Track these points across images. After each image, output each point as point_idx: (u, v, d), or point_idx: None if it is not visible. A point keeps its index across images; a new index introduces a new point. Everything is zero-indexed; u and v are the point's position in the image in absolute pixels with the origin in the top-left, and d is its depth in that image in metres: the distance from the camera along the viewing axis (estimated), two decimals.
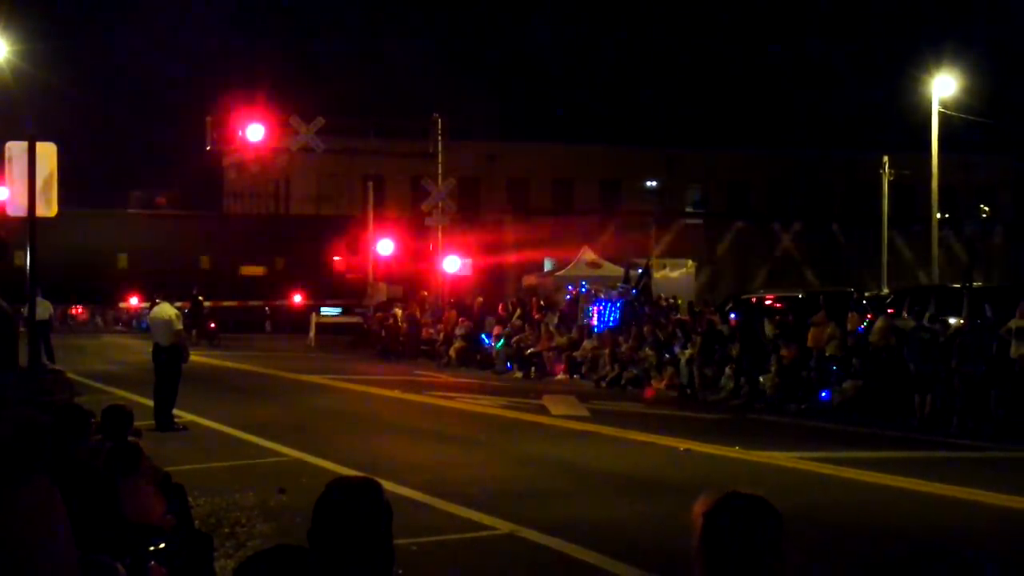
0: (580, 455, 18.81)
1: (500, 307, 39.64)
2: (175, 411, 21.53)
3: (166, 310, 22.05)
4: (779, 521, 3.72)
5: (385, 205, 62.80)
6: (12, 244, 33.85)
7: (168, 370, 21.56)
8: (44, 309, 34.97)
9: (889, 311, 28.91)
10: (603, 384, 31.08)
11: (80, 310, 61.64)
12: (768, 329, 28.56)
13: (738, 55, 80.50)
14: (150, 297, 45.15)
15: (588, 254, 52.01)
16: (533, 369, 34.21)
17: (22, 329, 15.94)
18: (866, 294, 38.89)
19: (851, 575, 11.38)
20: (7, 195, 15.45)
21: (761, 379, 27.13)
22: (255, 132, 44.89)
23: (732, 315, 31.11)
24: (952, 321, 25.74)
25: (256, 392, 29.03)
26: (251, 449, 19.13)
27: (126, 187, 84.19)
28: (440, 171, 48.61)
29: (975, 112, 51.52)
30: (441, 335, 40.34)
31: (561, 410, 24.84)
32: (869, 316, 28.20)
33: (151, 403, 21.46)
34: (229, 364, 36.84)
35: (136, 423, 11.30)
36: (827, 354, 26.39)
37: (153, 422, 20.55)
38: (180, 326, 21.95)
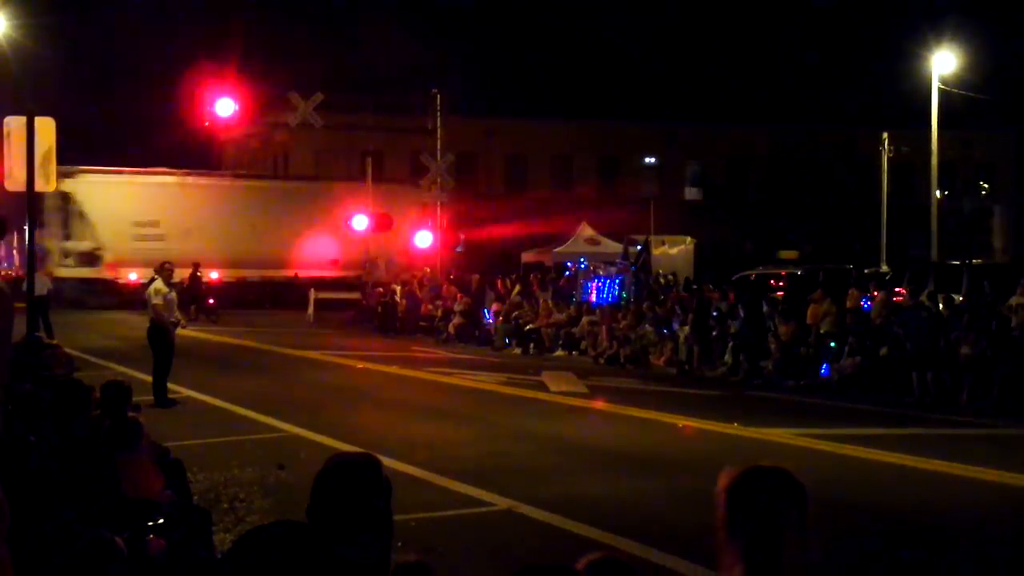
0: (578, 431, 18.84)
1: (499, 283, 39.63)
2: (171, 386, 21.52)
3: (154, 285, 22.24)
4: (803, 494, 3.68)
5: (384, 180, 62.69)
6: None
7: (156, 345, 21.61)
8: (42, 284, 34.97)
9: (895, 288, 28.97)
10: (601, 361, 31.10)
11: None
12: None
13: (738, 31, 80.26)
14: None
15: (587, 230, 52.01)
16: (532, 345, 34.23)
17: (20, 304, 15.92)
18: (866, 271, 38.90)
19: (849, 552, 11.40)
20: (6, 170, 15.44)
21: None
22: (254, 108, 44.77)
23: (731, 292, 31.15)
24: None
25: (255, 367, 29.04)
26: (250, 424, 19.16)
27: (124, 163, 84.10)
28: (439, 146, 48.55)
29: (975, 89, 51.47)
30: (440, 311, 40.33)
31: (560, 386, 24.86)
32: (875, 293, 28.20)
33: (149, 378, 21.49)
34: (227, 339, 36.85)
35: (135, 398, 11.31)
36: (822, 331, 26.41)
37: (152, 398, 20.59)
38: (157, 301, 21.86)
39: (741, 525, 3.58)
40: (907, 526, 12.55)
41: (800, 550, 3.60)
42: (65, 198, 51.01)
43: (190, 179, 56.46)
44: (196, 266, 46.00)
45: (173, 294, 22.23)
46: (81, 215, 52.87)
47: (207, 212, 53.42)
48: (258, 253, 53.11)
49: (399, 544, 5.54)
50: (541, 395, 23.60)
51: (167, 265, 22.99)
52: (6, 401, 7.96)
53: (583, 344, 32.97)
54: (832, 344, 26.04)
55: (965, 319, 23.33)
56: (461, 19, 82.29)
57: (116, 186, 53.92)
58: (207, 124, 48.18)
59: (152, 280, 23.48)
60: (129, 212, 52.16)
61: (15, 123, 15.22)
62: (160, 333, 21.63)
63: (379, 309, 43.76)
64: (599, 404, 22.04)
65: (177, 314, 22.43)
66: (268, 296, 53.94)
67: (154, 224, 52.00)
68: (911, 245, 53.67)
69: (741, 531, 3.58)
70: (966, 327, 23.18)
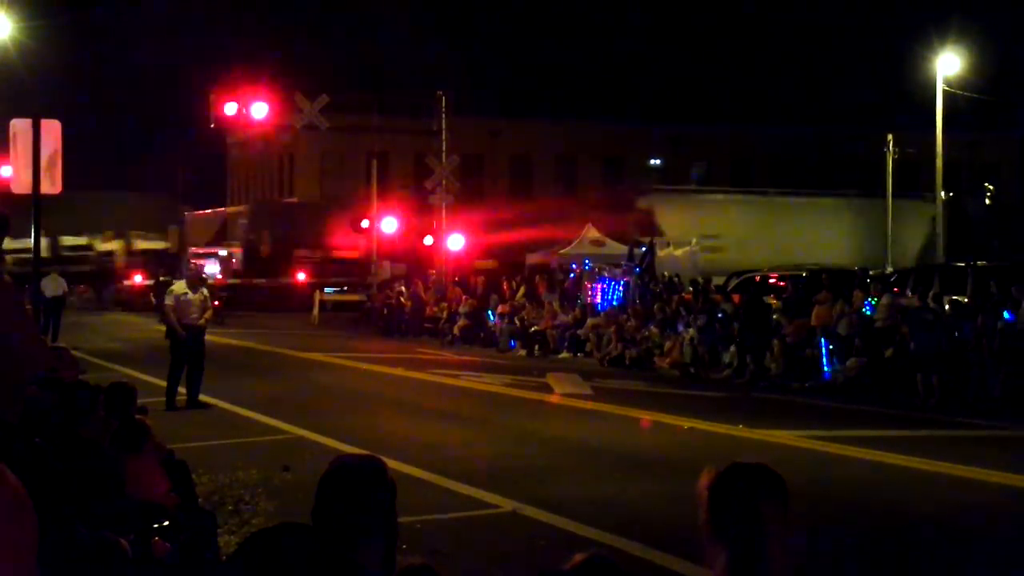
0: (583, 433, 18.83)
1: (504, 285, 39.63)
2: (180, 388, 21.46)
3: (172, 287, 22.25)
4: (783, 487, 3.72)
5: (389, 182, 62.73)
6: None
7: (171, 347, 21.57)
8: (57, 286, 35.02)
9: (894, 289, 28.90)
10: (606, 362, 31.06)
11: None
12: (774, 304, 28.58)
13: (742, 32, 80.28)
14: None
15: (591, 232, 51.94)
16: (536, 347, 34.21)
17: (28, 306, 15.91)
18: (870, 272, 38.81)
19: (854, 553, 11.40)
20: (11, 173, 15.46)
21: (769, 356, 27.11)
22: (259, 110, 44.76)
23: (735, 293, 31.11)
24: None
25: (260, 369, 29.05)
26: (255, 426, 19.17)
27: (131, 164, 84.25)
28: (444, 148, 48.53)
29: (980, 90, 51.42)
30: (445, 313, 40.35)
31: (565, 388, 24.84)
32: (875, 294, 28.14)
33: (154, 380, 21.47)
34: (233, 341, 36.85)
35: (142, 400, 11.30)
36: (842, 333, 26.25)
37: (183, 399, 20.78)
38: (168, 301, 21.80)
39: (724, 521, 3.62)
40: (914, 528, 12.53)
41: (785, 543, 3.63)
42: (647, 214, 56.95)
43: (743, 196, 60.81)
44: (200, 269, 46.04)
45: (192, 295, 21.82)
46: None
47: (757, 225, 55.63)
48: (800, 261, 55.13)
49: (404, 546, 5.52)
50: (546, 397, 23.59)
51: (194, 266, 22.96)
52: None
53: (588, 346, 32.96)
54: (831, 347, 25.97)
55: (980, 321, 23.29)
56: (466, 20, 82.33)
57: (686, 204, 58.84)
58: (212, 126, 48.20)
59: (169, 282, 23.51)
60: (696, 226, 55.28)
61: (21, 126, 15.23)
62: (171, 334, 21.58)
63: (384, 311, 43.81)
64: (604, 406, 22.02)
65: (195, 315, 21.92)
66: None
67: (715, 236, 54.49)
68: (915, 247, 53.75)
69: (725, 527, 3.62)
70: (972, 329, 23.15)
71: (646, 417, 20.44)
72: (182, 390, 21.46)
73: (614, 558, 3.90)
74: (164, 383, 21.33)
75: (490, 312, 37.79)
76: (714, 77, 76.78)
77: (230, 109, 43.03)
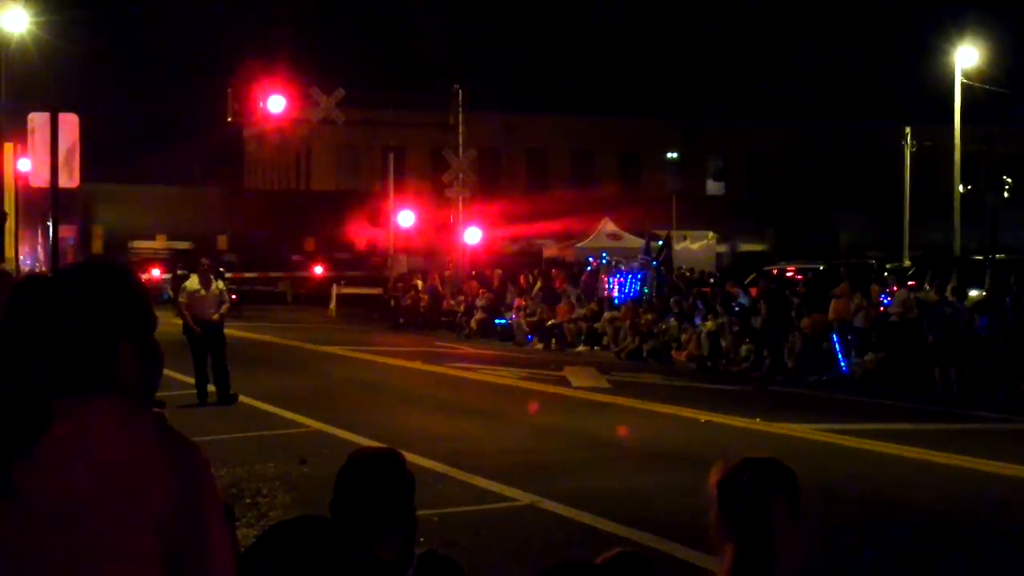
0: (601, 426, 18.83)
1: (521, 278, 39.64)
2: (190, 380, 21.40)
3: (186, 282, 22.21)
4: (793, 481, 3.71)
5: (405, 176, 62.75)
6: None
7: (188, 344, 21.51)
8: None
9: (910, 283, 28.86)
10: (623, 356, 31.06)
11: None
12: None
13: (759, 26, 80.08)
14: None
15: (609, 226, 51.92)
16: (554, 340, 34.22)
17: None
18: (887, 265, 38.74)
19: (871, 547, 11.38)
20: (30, 166, 15.55)
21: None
22: (276, 103, 44.74)
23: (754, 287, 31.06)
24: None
25: (277, 363, 29.08)
26: (272, 420, 19.18)
27: (148, 159, 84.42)
28: (460, 142, 48.47)
29: (998, 83, 51.22)
30: (462, 306, 40.38)
31: (582, 381, 24.85)
32: (895, 288, 28.10)
33: (170, 373, 21.43)
34: (250, 335, 36.90)
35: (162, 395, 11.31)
36: (856, 325, 26.24)
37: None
38: (182, 298, 21.73)
39: (733, 517, 3.62)
40: (931, 521, 12.51)
41: (794, 536, 3.62)
42: None
43: None
44: (214, 264, 46.19)
45: (204, 291, 21.77)
46: None
47: None
48: None
49: (422, 539, 5.52)
50: (563, 390, 23.60)
51: (204, 262, 22.87)
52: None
53: (605, 339, 32.96)
54: (848, 338, 25.93)
55: (1010, 316, 23.26)
56: (482, 14, 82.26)
57: None
58: (229, 120, 48.25)
59: (186, 276, 23.46)
60: None
61: (39, 119, 15.28)
62: (187, 331, 21.52)
63: (392, 303, 43.96)
64: (621, 399, 22.03)
65: (211, 311, 21.66)
66: None
67: None
68: (934, 239, 53.58)
69: (733, 523, 3.62)
70: (989, 322, 23.11)
71: (663, 410, 20.47)
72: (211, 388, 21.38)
73: (643, 554, 3.90)
74: (180, 376, 21.36)
75: (497, 321, 37.60)
76: (731, 70, 76.61)
77: (275, 105, 43.14)
